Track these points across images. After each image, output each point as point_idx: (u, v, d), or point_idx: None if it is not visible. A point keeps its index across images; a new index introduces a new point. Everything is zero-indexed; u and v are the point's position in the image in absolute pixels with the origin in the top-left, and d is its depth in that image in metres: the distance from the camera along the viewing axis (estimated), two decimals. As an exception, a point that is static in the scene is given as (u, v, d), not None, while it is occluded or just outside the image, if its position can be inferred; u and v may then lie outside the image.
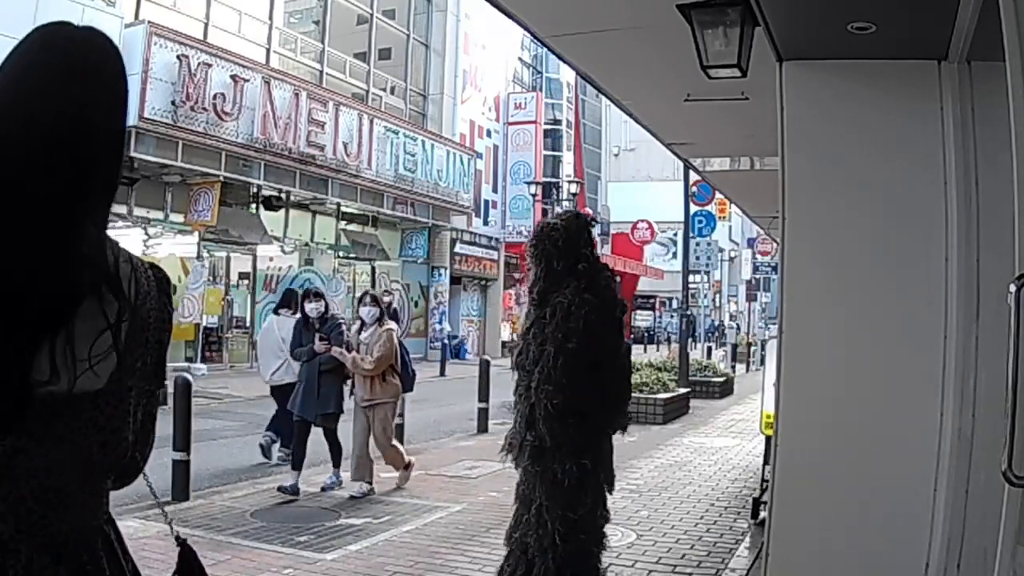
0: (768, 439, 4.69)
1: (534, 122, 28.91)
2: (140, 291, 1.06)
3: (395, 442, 6.57)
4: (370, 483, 6.27)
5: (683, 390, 12.32)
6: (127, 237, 15.50)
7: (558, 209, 25.88)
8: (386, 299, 14.43)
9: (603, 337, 3.37)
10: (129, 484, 1.13)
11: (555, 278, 3.41)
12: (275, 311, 8.48)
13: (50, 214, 0.96)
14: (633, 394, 11.73)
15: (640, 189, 39.01)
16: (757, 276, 30.67)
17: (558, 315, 3.31)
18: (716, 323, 37.49)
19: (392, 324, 6.52)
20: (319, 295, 6.75)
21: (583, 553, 3.38)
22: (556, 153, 33.89)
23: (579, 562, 3.38)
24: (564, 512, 3.33)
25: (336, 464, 6.42)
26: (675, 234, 30.19)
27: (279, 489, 6.04)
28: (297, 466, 6.21)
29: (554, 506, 3.35)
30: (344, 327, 6.67)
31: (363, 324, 6.42)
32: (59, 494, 0.95)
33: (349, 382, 6.46)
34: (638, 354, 22.99)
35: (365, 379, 6.27)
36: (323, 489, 6.22)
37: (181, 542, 1.21)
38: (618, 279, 3.68)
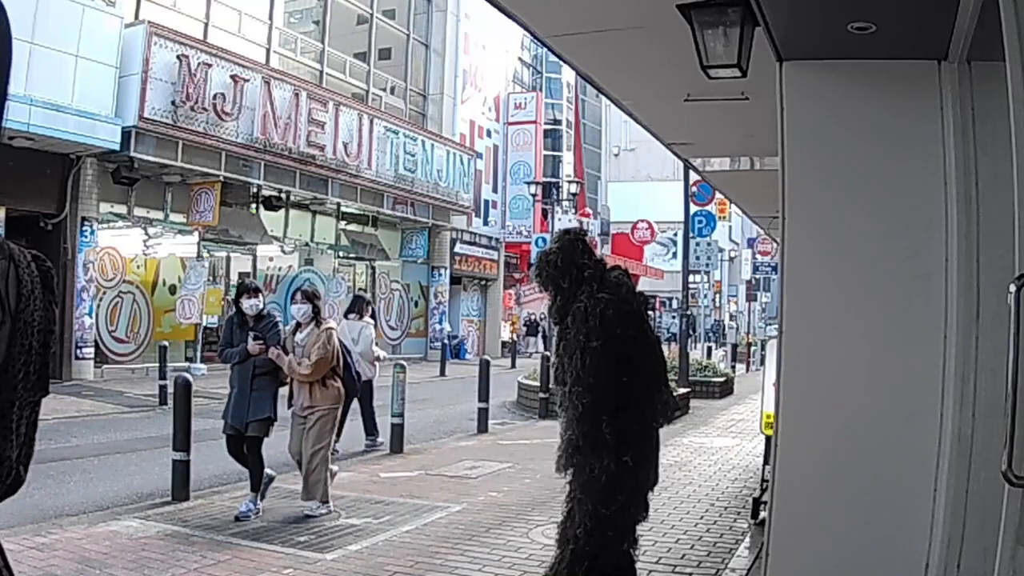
0: (768, 439, 4.69)
1: (534, 122, 28.92)
2: (23, 292, 0.90)
3: (330, 464, 5.73)
4: (327, 502, 5.67)
5: (683, 390, 12.31)
6: (127, 237, 15.53)
7: (558, 209, 25.95)
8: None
9: (624, 330, 3.42)
10: (11, 496, 1.00)
11: (568, 294, 3.54)
12: (345, 315, 9.04)
13: None
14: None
15: (640, 189, 38.95)
16: (757, 276, 30.65)
17: (577, 320, 3.41)
18: (716, 323, 37.48)
19: (332, 323, 5.93)
20: (257, 290, 5.97)
21: (607, 549, 3.43)
22: (556, 153, 33.92)
23: (603, 558, 3.42)
24: (595, 507, 3.39)
25: (254, 487, 5.63)
26: (675, 234, 30.16)
27: (236, 519, 5.38)
28: (256, 487, 5.62)
29: (586, 499, 3.42)
30: (281, 326, 6.07)
31: (298, 324, 5.82)
32: None
33: (286, 388, 5.86)
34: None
35: (303, 384, 5.66)
36: (236, 519, 5.37)
37: None
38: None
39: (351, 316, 8.73)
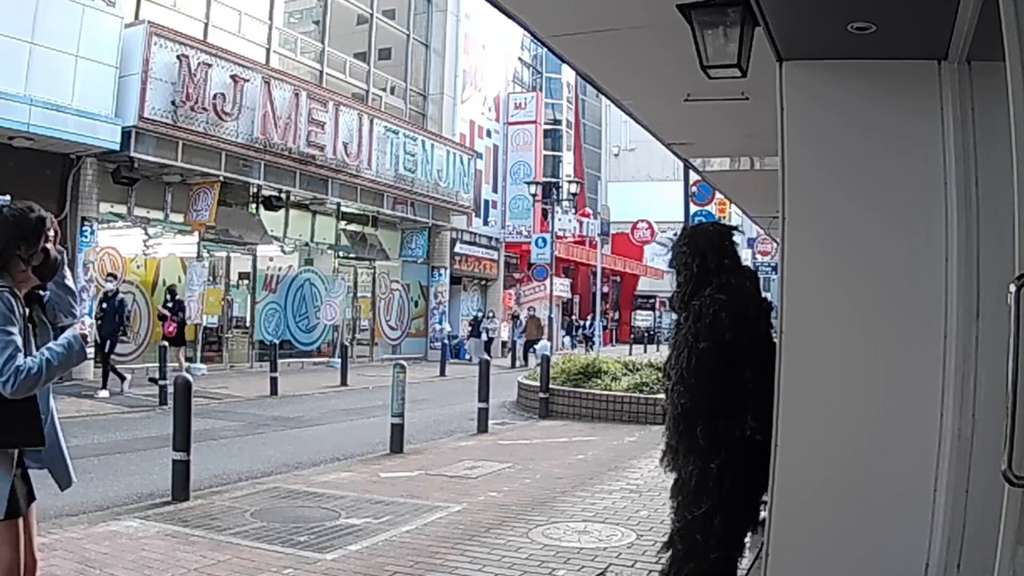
0: (768, 439, 4.68)
1: (534, 122, 28.92)
2: None
3: None
4: None
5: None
6: (127, 237, 15.54)
7: (558, 209, 25.95)
8: (108, 285, 13.07)
9: (735, 335, 3.32)
10: None
11: (700, 279, 3.44)
12: None
13: None
14: (633, 394, 11.59)
15: (640, 189, 38.98)
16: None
17: (691, 318, 3.37)
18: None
19: None
20: None
21: (696, 554, 3.37)
22: (556, 153, 33.93)
23: (695, 561, 3.38)
24: (681, 511, 3.42)
25: None
26: (675, 234, 30.12)
27: None
28: None
29: (674, 501, 3.47)
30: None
31: None
32: None
33: None
34: (638, 354, 23.02)
35: None
36: None
37: None
38: (748, 282, 3.65)
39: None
